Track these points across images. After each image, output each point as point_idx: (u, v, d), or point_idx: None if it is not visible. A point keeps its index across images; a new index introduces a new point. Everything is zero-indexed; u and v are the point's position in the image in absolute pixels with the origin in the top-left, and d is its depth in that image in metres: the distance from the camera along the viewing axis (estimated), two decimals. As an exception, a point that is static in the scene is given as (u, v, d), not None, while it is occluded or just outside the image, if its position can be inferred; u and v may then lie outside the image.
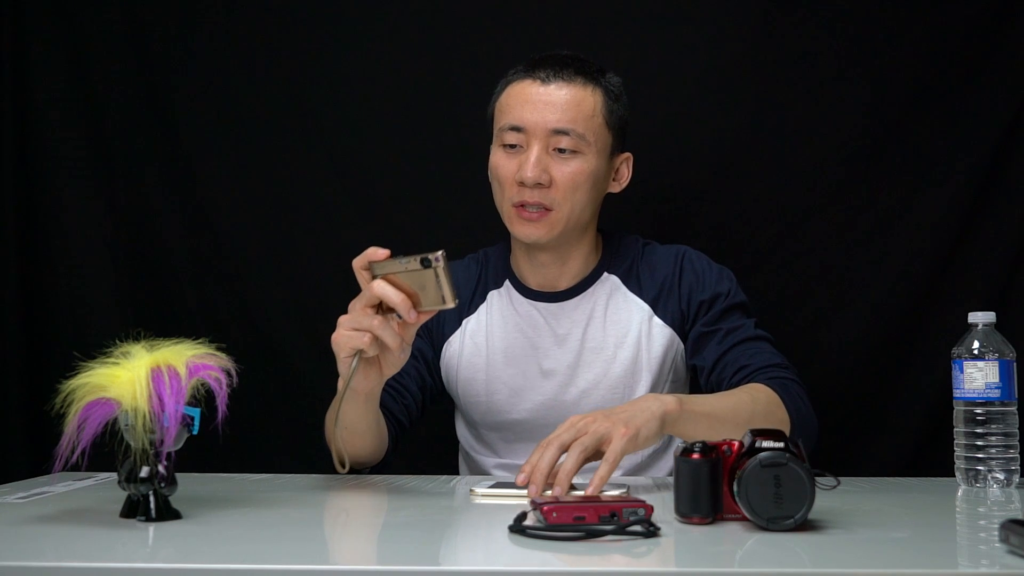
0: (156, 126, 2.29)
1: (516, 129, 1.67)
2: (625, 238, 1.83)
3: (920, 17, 2.16)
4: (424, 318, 1.38)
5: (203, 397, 1.19)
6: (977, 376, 1.46)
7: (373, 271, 1.36)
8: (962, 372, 1.48)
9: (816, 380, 2.18)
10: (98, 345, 1.22)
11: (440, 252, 1.31)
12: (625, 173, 1.79)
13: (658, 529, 1.09)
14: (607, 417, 1.37)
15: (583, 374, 1.73)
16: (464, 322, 1.80)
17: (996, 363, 1.46)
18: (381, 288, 1.35)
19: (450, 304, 1.33)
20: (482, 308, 1.80)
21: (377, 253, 1.36)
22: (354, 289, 2.26)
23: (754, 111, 2.20)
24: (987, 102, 2.14)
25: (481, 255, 1.88)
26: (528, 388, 1.74)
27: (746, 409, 1.49)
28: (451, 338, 1.80)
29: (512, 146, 1.68)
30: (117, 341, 1.21)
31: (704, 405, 1.46)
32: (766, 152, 2.20)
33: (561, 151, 1.66)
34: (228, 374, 1.20)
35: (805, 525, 1.11)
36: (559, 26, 2.23)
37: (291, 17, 2.28)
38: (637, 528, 1.09)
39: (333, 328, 2.24)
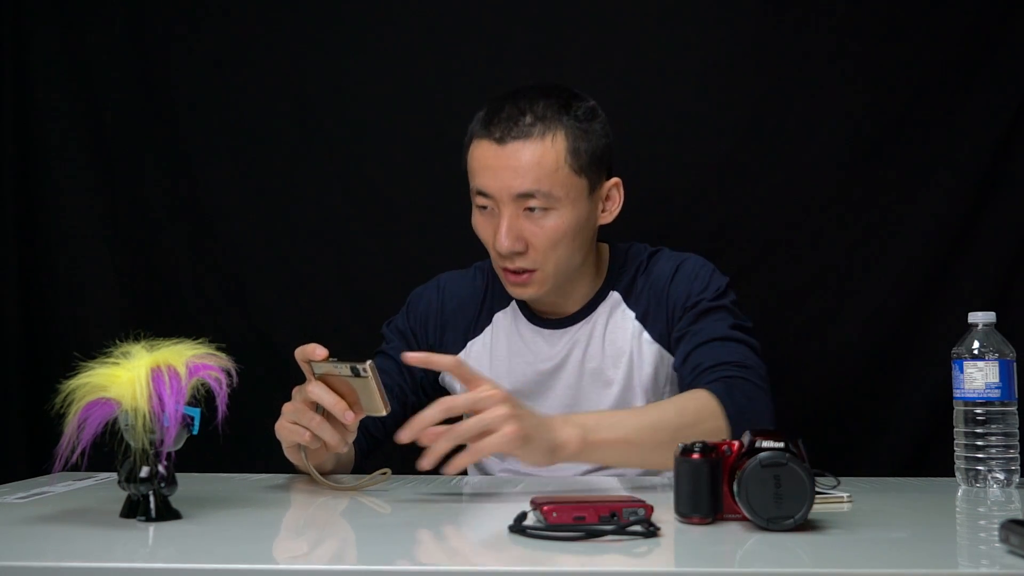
0: (156, 126, 2.30)
1: (484, 194, 1.61)
2: (632, 249, 1.76)
3: (920, 17, 2.16)
4: (361, 415, 1.38)
5: (203, 397, 1.19)
6: (977, 376, 1.46)
7: (313, 368, 1.38)
8: (962, 372, 1.47)
9: (816, 380, 2.19)
10: (98, 345, 1.22)
11: (368, 363, 1.33)
12: (616, 199, 1.70)
13: (658, 529, 1.09)
14: (515, 413, 1.31)
15: (586, 395, 1.69)
16: (468, 344, 1.76)
17: (996, 363, 1.46)
18: (317, 393, 1.37)
19: (383, 412, 1.36)
20: (487, 330, 1.76)
21: (316, 352, 1.37)
22: (354, 292, 2.28)
23: (754, 111, 2.20)
24: (987, 102, 2.14)
25: (488, 266, 1.80)
26: None
27: (670, 423, 1.42)
28: None
29: (485, 206, 1.62)
30: (117, 341, 1.21)
31: (617, 430, 1.39)
32: (766, 152, 2.20)
33: (532, 211, 1.59)
34: (228, 374, 1.20)
35: (805, 525, 1.11)
36: (559, 27, 2.23)
37: (292, 16, 2.28)
38: (637, 528, 1.09)
39: (333, 329, 2.28)
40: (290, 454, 1.46)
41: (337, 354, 1.37)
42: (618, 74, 2.22)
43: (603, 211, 1.68)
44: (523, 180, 1.57)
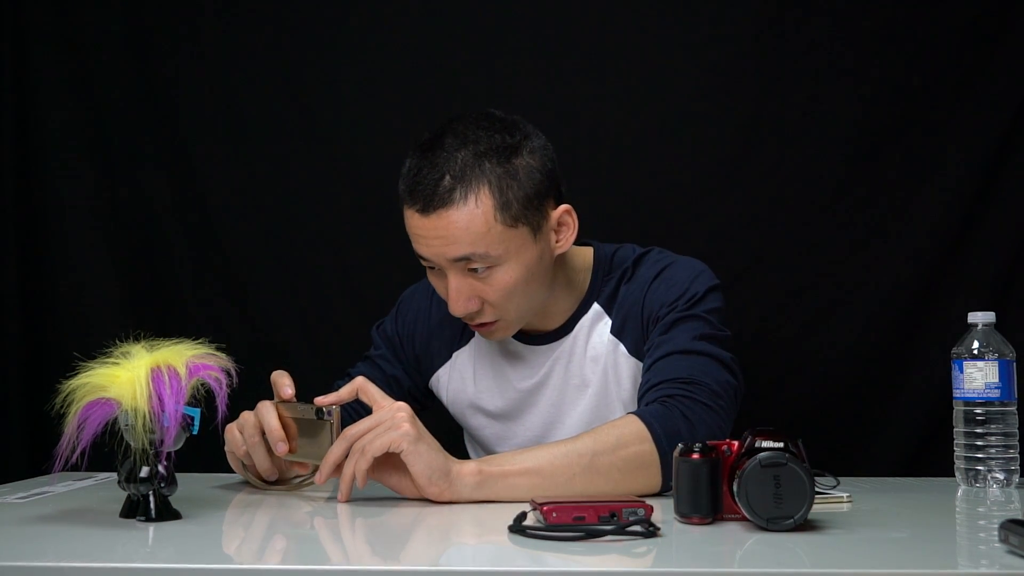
0: (156, 126, 2.30)
1: (423, 257, 1.54)
2: (618, 254, 1.66)
3: (920, 17, 2.16)
4: (298, 467, 1.42)
5: (203, 397, 1.19)
6: (977, 376, 1.46)
7: (277, 406, 1.41)
8: (962, 372, 1.48)
9: (816, 380, 2.20)
10: (98, 345, 1.22)
11: (336, 408, 1.36)
12: (570, 225, 1.56)
13: (658, 529, 1.10)
14: (412, 420, 1.31)
15: (567, 411, 1.65)
16: (454, 355, 1.71)
17: (996, 363, 1.46)
18: (262, 413, 1.40)
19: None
20: (473, 342, 1.70)
21: (285, 391, 1.41)
22: (354, 292, 2.28)
23: (754, 111, 2.20)
24: (987, 102, 2.14)
25: None
26: (515, 426, 1.69)
27: (585, 450, 1.34)
28: (439, 371, 1.73)
29: (432, 267, 1.55)
30: (117, 341, 1.22)
31: (524, 462, 1.34)
32: (765, 152, 2.20)
33: (474, 271, 1.50)
34: (228, 374, 1.20)
35: (805, 525, 1.11)
36: (559, 27, 2.24)
37: (292, 17, 2.29)
38: (637, 528, 1.09)
39: (333, 328, 2.28)
40: (229, 458, 1.46)
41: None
42: (618, 74, 2.23)
43: (557, 242, 1.56)
44: (456, 247, 1.47)
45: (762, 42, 2.19)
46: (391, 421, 1.31)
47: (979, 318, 1.49)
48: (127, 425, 1.16)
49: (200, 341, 1.23)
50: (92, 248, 2.29)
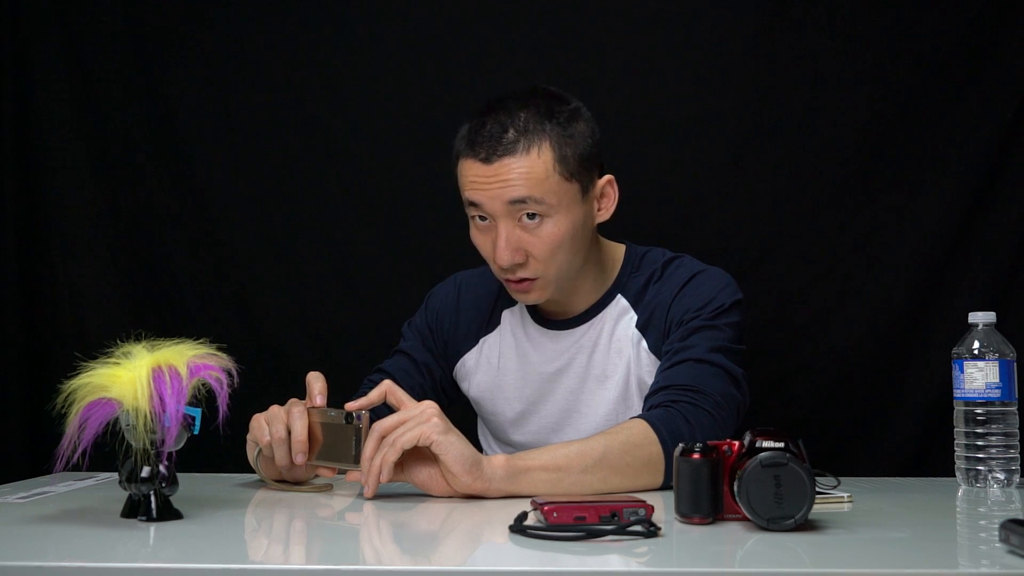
0: (156, 126, 2.30)
1: (476, 205, 1.59)
2: (648, 255, 1.73)
3: (920, 17, 2.16)
4: (322, 470, 1.45)
5: (204, 397, 1.19)
6: (977, 376, 1.46)
7: (307, 408, 1.45)
8: (962, 372, 1.48)
9: (816, 380, 2.20)
10: (99, 345, 1.22)
11: (365, 413, 1.39)
12: (611, 195, 1.65)
13: (658, 529, 1.10)
14: (440, 415, 1.35)
15: (586, 400, 1.69)
16: (481, 341, 1.76)
17: (996, 363, 1.46)
18: (294, 416, 1.42)
19: (355, 464, 1.39)
20: (499, 328, 1.76)
21: (316, 400, 1.44)
22: (354, 292, 2.28)
23: (754, 111, 2.20)
24: (987, 102, 2.14)
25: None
26: (532, 413, 1.72)
27: (596, 446, 1.40)
28: (467, 355, 1.77)
29: (482, 218, 1.60)
30: (118, 341, 1.22)
31: (543, 457, 1.38)
32: (765, 153, 2.20)
33: (529, 217, 1.56)
34: (229, 374, 1.20)
35: (805, 525, 1.11)
36: (559, 27, 2.24)
37: (292, 17, 2.28)
38: (638, 528, 1.09)
39: (333, 328, 2.28)
40: (249, 447, 1.48)
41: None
42: (618, 74, 2.23)
43: (599, 209, 1.65)
44: (514, 189, 1.54)
45: (763, 42, 2.19)
46: (420, 416, 1.34)
47: (979, 318, 1.49)
48: (128, 425, 1.16)
49: (201, 341, 1.23)
50: (92, 248, 2.30)
